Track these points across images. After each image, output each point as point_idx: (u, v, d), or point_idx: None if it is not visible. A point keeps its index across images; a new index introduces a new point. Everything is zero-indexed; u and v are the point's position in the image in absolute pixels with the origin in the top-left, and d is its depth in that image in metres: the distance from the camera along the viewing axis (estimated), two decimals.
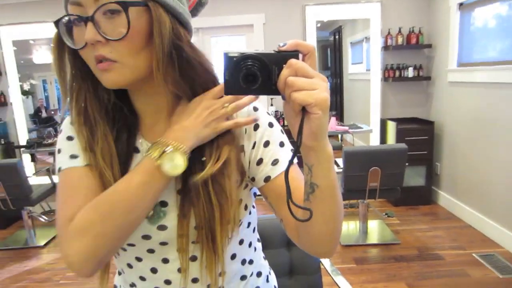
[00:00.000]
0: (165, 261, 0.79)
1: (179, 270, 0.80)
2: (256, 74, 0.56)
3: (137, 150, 0.79)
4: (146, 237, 0.76)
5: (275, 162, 0.77)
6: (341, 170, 3.13)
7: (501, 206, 3.24)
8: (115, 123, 0.77)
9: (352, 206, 4.14)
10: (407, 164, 3.12)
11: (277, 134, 0.81)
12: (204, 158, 0.73)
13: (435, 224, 3.76)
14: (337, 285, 1.48)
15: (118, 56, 0.65)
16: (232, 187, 0.74)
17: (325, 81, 0.56)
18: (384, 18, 4.35)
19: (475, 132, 3.57)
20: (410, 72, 4.31)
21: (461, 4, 3.76)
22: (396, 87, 4.51)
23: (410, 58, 4.39)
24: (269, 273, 1.01)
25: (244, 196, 0.81)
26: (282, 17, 4.43)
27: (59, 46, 0.70)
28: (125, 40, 0.64)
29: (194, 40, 0.74)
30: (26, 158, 4.55)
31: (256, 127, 0.80)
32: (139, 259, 0.80)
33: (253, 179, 0.80)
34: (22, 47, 4.63)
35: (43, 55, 4.75)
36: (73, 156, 0.75)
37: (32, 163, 4.73)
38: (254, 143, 0.79)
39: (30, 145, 4.25)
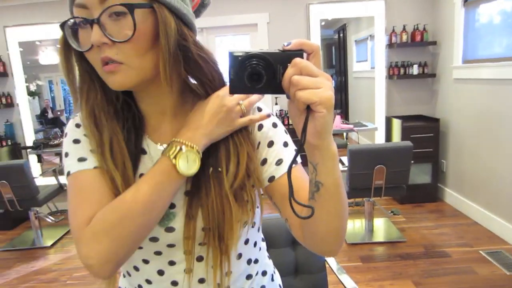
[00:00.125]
0: (172, 263, 0.80)
1: (185, 271, 0.80)
2: (261, 73, 0.57)
3: (144, 152, 0.79)
4: (154, 239, 0.76)
5: (279, 162, 0.78)
6: (346, 168, 3.13)
7: (508, 203, 3.22)
8: (124, 123, 0.77)
9: (358, 204, 4.14)
10: (412, 161, 3.11)
11: (280, 134, 0.81)
12: (220, 169, 0.74)
13: (441, 222, 3.74)
14: (342, 283, 1.48)
15: (124, 58, 0.66)
16: (250, 186, 0.75)
17: (330, 79, 0.56)
18: (389, 16, 4.34)
19: (480, 129, 3.55)
20: (415, 70, 4.29)
21: (465, 1, 3.73)
22: (401, 84, 4.50)
23: (415, 56, 4.37)
24: (274, 272, 1.01)
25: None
26: (286, 16, 4.43)
27: (66, 48, 0.71)
28: (131, 42, 0.65)
29: (198, 39, 0.74)
30: (32, 159, 4.58)
31: (260, 128, 0.80)
32: (146, 261, 0.80)
33: (257, 179, 0.80)
34: (29, 48, 4.65)
35: (49, 56, 4.77)
36: (81, 159, 0.75)
37: (39, 164, 4.75)
38: (259, 144, 0.80)
39: (36, 146, 4.27)
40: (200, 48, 0.72)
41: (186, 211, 0.75)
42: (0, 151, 4.37)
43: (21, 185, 3.34)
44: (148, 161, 0.78)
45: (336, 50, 5.85)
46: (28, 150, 4.40)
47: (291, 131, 0.70)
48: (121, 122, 0.76)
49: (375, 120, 4.56)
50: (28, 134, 4.66)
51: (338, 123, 4.09)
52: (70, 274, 3.15)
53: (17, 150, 4.57)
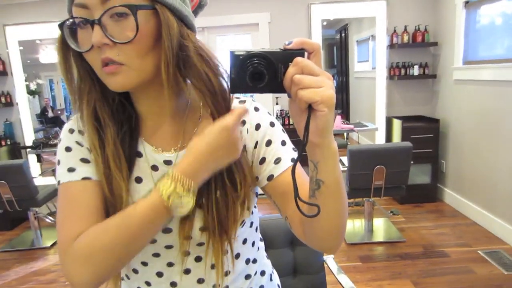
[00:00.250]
0: (170, 264, 0.80)
1: (184, 272, 0.80)
2: (263, 72, 0.57)
3: (140, 155, 0.78)
4: (152, 241, 0.76)
5: (277, 161, 0.78)
6: (346, 168, 3.13)
7: (506, 203, 3.22)
8: (119, 125, 0.76)
9: (358, 204, 4.14)
10: (412, 162, 3.11)
11: (278, 133, 0.81)
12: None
13: (441, 222, 3.75)
14: (341, 284, 1.49)
15: (125, 59, 0.65)
16: (247, 187, 0.75)
17: (331, 79, 0.56)
18: (390, 16, 4.34)
19: (480, 130, 3.56)
20: (416, 70, 4.30)
21: (467, 2, 3.73)
22: (402, 85, 4.50)
23: (416, 56, 4.37)
24: (272, 272, 1.01)
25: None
26: (287, 15, 4.43)
27: (64, 47, 0.70)
28: (133, 43, 0.64)
29: (199, 39, 0.73)
30: (32, 158, 4.57)
31: (258, 127, 0.80)
32: (145, 264, 0.80)
33: (256, 179, 0.80)
34: (29, 47, 4.64)
35: (50, 55, 4.77)
36: (71, 170, 0.74)
37: (38, 163, 4.74)
38: (256, 143, 0.80)
39: (36, 146, 4.24)
40: (200, 49, 0.70)
41: None
42: None
43: (20, 185, 3.32)
44: (143, 164, 0.78)
45: (338, 50, 5.85)
46: (28, 150, 4.38)
47: (292, 130, 0.70)
48: (117, 124, 0.76)
49: (376, 121, 4.57)
50: (28, 134, 4.66)
51: (338, 123, 4.09)
52: None
53: (16, 149, 4.56)
